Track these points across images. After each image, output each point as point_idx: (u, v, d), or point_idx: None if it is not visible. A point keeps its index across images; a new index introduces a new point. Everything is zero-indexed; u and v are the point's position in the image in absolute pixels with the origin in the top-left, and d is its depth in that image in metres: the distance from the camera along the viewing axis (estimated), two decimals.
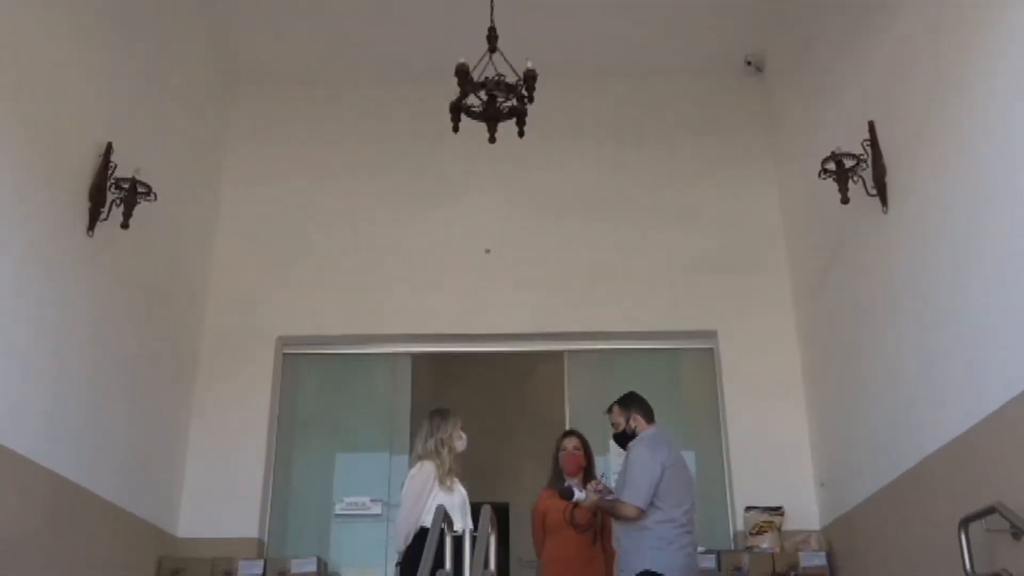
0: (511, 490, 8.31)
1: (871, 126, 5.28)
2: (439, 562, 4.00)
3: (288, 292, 7.06)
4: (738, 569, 6.01)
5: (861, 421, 5.65)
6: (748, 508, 6.34)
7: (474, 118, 4.85)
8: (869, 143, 5.27)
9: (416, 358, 7.20)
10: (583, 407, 6.87)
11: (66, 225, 5.14)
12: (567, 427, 6.47)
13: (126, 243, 5.60)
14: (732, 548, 6.33)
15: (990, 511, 3.87)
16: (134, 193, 5.47)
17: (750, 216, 7.19)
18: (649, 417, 5.26)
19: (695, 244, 7.10)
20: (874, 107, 5.34)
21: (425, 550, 3.91)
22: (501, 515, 6.35)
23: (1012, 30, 3.95)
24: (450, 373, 8.31)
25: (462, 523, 4.91)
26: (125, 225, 5.43)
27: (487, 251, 7.17)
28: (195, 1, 6.80)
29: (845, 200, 5.39)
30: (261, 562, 6.18)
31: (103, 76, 5.55)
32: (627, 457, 5.14)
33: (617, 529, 5.19)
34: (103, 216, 5.34)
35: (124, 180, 5.43)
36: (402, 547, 5.14)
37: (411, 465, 5.45)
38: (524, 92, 4.76)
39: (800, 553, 6.07)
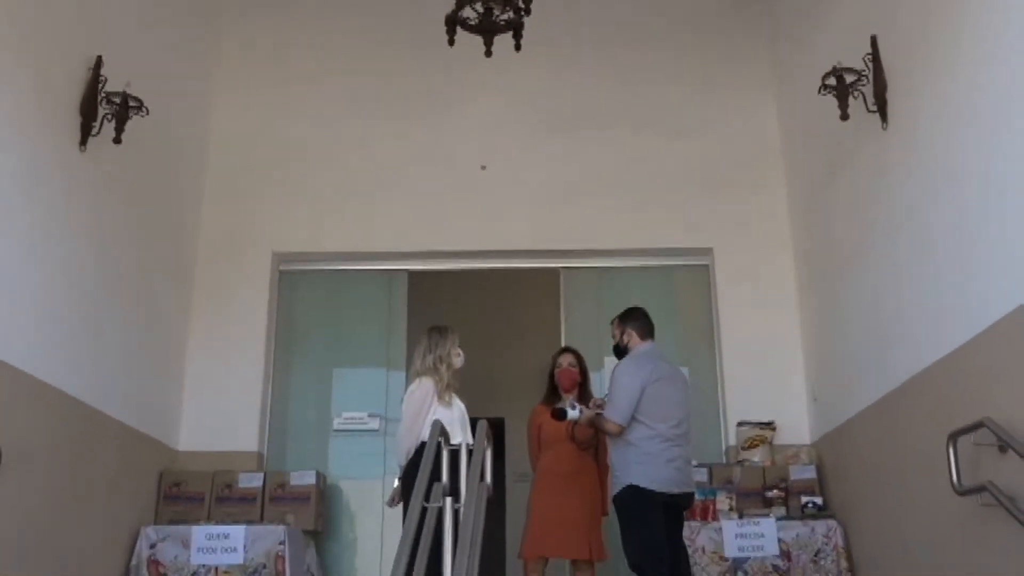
0: (507, 406, 8.42)
1: (873, 40, 5.18)
2: (436, 475, 4.06)
3: (283, 207, 7.01)
4: (729, 482, 6.12)
5: (855, 338, 5.69)
6: (740, 423, 6.42)
7: (470, 31, 4.77)
8: (871, 57, 5.19)
9: (413, 275, 7.20)
10: (579, 324, 6.91)
11: (58, 140, 5.07)
12: (563, 344, 6.53)
13: (118, 158, 5.53)
14: (724, 462, 6.43)
15: (978, 425, 3.94)
16: (125, 107, 5.39)
17: (748, 132, 7.11)
18: (644, 334, 5.30)
19: (693, 160, 7.04)
20: (876, 21, 5.24)
21: (422, 463, 3.97)
22: (497, 430, 6.46)
23: None
24: (446, 290, 8.33)
25: (462, 437, 4.99)
26: (117, 140, 5.36)
27: (483, 167, 7.11)
28: None
29: (845, 116, 5.32)
30: (261, 475, 6.27)
31: None
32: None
33: (610, 446, 5.30)
34: (95, 131, 5.27)
35: (115, 94, 5.35)
36: (403, 462, 5.23)
37: (409, 381, 5.51)
38: (521, 4, 4.67)
39: (790, 467, 6.18)
